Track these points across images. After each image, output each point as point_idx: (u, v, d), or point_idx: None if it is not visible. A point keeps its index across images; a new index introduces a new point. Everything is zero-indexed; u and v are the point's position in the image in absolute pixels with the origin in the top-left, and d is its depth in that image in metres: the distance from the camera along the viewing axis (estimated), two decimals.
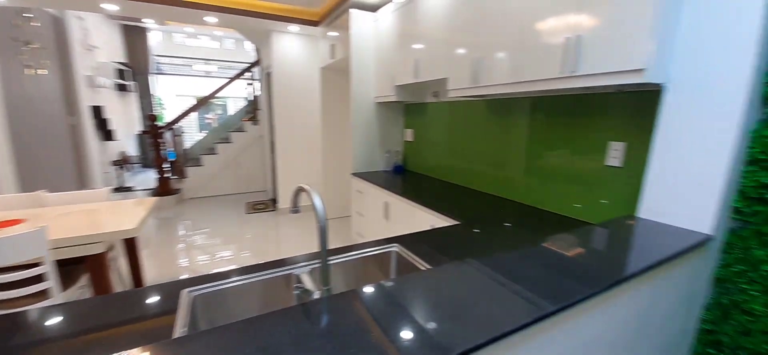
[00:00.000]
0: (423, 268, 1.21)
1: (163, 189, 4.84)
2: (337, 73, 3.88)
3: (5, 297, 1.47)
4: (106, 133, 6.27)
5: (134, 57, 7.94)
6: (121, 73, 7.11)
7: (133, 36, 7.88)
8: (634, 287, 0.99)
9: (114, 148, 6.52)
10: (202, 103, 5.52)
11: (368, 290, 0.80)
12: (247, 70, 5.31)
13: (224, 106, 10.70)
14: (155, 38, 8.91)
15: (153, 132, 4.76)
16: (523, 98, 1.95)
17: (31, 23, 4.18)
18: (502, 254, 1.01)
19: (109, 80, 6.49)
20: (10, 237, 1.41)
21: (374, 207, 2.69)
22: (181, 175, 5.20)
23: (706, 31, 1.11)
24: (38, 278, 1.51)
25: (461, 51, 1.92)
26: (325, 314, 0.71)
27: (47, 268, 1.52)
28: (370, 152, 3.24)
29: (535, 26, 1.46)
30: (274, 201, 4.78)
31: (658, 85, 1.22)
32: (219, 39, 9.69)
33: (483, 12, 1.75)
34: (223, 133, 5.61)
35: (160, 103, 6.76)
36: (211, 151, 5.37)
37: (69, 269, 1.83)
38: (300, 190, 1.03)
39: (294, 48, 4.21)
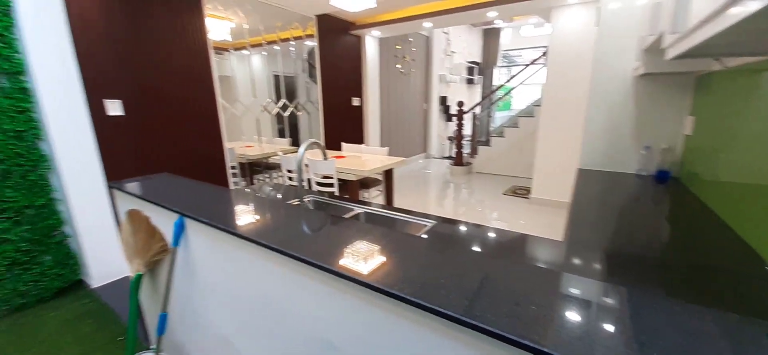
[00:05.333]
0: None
1: (458, 161, 6.13)
2: None
3: (322, 190, 3.03)
4: (448, 116, 8.59)
5: (486, 54, 9.84)
6: (470, 70, 9.20)
7: (490, 37, 9.69)
8: None
9: (451, 127, 8.79)
10: (490, 93, 6.09)
11: None
12: (544, 54, 5.21)
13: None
14: (506, 36, 10.41)
15: (458, 116, 6.07)
16: None
17: (410, 44, 6.65)
18: None
19: (458, 76, 8.66)
20: (322, 161, 2.88)
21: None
22: (474, 152, 6.24)
23: None
24: (332, 185, 2.95)
25: None
26: None
27: (334, 180, 2.92)
28: (614, 145, 2.47)
29: None
30: (529, 190, 4.64)
31: None
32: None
33: None
34: (515, 118, 5.95)
35: (507, 91, 8.10)
36: (500, 135, 5.94)
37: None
38: None
39: (571, 21, 3.74)
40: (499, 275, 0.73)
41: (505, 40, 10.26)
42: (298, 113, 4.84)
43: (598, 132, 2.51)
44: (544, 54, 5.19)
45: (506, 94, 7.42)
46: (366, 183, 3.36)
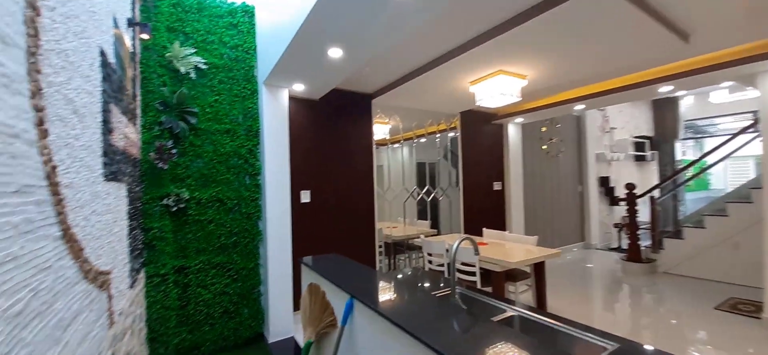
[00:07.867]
0: None
1: (633, 256, 4.90)
2: None
3: (464, 277, 2.96)
4: (612, 199, 7.26)
5: (661, 126, 8.29)
6: (638, 146, 7.83)
7: (663, 107, 8.24)
8: None
9: (618, 212, 7.33)
10: (675, 173, 4.80)
11: None
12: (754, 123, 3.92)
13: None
14: (687, 103, 8.58)
15: (629, 200, 5.03)
16: None
17: (556, 125, 6.24)
18: None
19: (623, 153, 7.45)
20: (466, 249, 2.86)
21: None
22: (657, 246, 4.89)
23: None
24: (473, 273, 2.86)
25: None
26: None
27: (476, 269, 2.83)
28: None
29: None
30: (760, 306, 3.16)
31: None
32: None
33: None
34: (720, 203, 4.47)
35: (700, 169, 6.13)
36: (699, 224, 4.52)
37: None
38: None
39: None
40: None
41: (687, 108, 8.38)
42: (439, 198, 5.07)
43: None
44: (754, 123, 3.95)
45: (700, 172, 5.76)
46: (512, 275, 3.09)
